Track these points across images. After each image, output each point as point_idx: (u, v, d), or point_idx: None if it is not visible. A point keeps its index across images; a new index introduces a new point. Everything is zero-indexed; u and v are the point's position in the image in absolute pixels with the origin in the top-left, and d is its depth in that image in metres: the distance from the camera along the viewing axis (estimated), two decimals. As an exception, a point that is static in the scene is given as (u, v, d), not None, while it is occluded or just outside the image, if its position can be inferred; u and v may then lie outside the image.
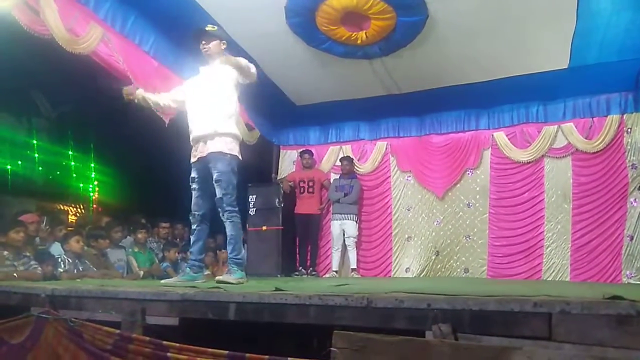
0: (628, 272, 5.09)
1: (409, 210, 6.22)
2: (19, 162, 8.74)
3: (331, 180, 6.44)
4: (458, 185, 6.04)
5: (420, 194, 6.19)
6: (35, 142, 8.95)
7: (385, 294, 1.98)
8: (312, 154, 6.55)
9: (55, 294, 2.69)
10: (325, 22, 4.55)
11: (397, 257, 6.19)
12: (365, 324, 1.89)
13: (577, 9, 4.17)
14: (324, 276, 6.16)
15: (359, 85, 5.74)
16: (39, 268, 3.84)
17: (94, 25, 3.90)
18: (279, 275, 5.61)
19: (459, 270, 5.89)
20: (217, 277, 3.52)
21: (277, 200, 6.07)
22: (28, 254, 3.91)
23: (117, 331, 2.27)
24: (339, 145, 6.62)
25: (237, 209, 3.54)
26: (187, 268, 3.77)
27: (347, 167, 6.26)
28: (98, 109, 7.67)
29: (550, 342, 1.60)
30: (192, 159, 3.61)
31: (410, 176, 6.27)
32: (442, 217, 6.05)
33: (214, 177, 3.47)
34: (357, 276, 5.95)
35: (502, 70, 5.21)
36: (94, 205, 10.10)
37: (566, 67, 5.03)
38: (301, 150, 6.62)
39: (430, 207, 6.13)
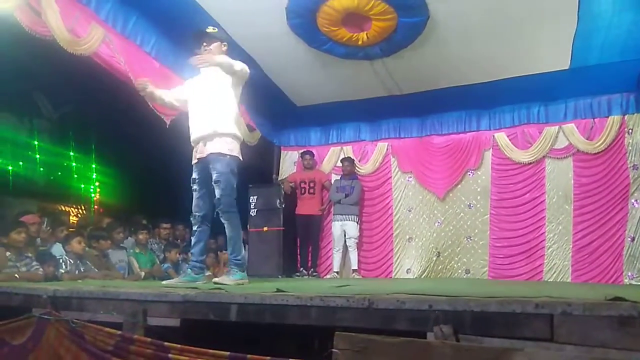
0: (629, 273, 5.08)
1: (410, 211, 6.22)
2: (20, 163, 8.75)
3: (332, 181, 6.44)
4: (459, 186, 6.04)
5: (421, 195, 6.19)
6: (36, 143, 8.96)
7: (386, 295, 1.98)
8: (313, 155, 6.55)
9: (57, 295, 2.69)
10: (326, 23, 4.55)
11: (398, 258, 6.19)
12: (367, 325, 1.89)
13: (578, 10, 4.18)
14: (325, 277, 6.16)
15: (360, 86, 5.75)
16: (41, 269, 3.84)
17: (95, 26, 3.91)
18: (280, 276, 5.61)
19: (460, 271, 5.89)
20: (215, 279, 3.52)
21: (278, 201, 6.07)
22: (30, 254, 3.92)
23: (119, 332, 2.27)
24: (340, 146, 6.63)
25: (236, 209, 3.54)
26: (188, 269, 3.77)
27: (348, 168, 6.27)
28: (99, 110, 7.68)
29: (552, 344, 1.60)
30: (193, 160, 3.61)
31: (411, 177, 6.27)
32: (443, 218, 6.05)
33: (213, 177, 3.48)
34: (358, 277, 5.95)
35: (503, 71, 5.20)
36: (95, 206, 10.11)
37: (567, 67, 5.03)
38: (302, 151, 6.62)
39: (431, 208, 6.13)
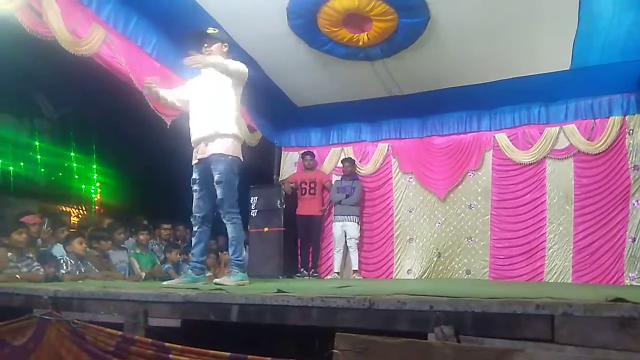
0: (630, 274, 5.08)
1: (410, 211, 6.22)
2: (21, 164, 8.76)
3: (332, 182, 6.44)
4: (460, 186, 6.04)
5: (422, 196, 6.18)
6: (37, 143, 8.97)
7: (387, 296, 1.98)
8: (314, 156, 6.55)
9: (58, 295, 2.69)
10: (327, 24, 4.55)
11: (398, 259, 6.19)
12: (368, 326, 1.89)
13: (579, 11, 4.17)
14: (325, 278, 6.16)
15: (360, 86, 5.75)
16: (42, 269, 3.85)
17: (96, 26, 3.91)
18: (280, 277, 5.61)
19: (460, 272, 5.89)
20: (215, 280, 3.52)
21: (278, 201, 6.07)
22: (31, 255, 3.93)
23: (120, 333, 2.27)
24: (341, 146, 6.63)
25: (238, 210, 3.55)
26: (189, 270, 3.78)
27: (349, 168, 6.27)
28: (100, 110, 7.69)
29: (553, 345, 1.60)
30: (194, 161, 3.62)
31: (411, 178, 6.27)
32: (443, 219, 6.05)
33: (215, 178, 3.48)
34: (358, 278, 5.95)
35: (503, 71, 5.20)
36: (96, 207, 10.12)
37: (568, 68, 5.03)
38: (303, 151, 6.62)
39: (432, 209, 6.12)
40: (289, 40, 4.85)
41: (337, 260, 6.15)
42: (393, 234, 6.25)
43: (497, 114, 5.88)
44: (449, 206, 6.05)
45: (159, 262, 5.26)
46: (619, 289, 3.48)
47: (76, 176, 9.78)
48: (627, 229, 5.18)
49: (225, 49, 3.70)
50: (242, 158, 3.63)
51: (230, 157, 3.50)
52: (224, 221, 3.52)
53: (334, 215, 6.24)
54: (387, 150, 6.39)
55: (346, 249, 6.16)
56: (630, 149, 5.28)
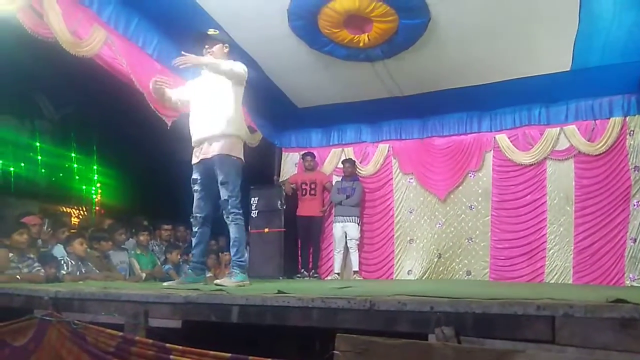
0: (631, 275, 5.07)
1: (411, 212, 6.22)
2: (22, 164, 8.78)
3: (333, 183, 6.44)
4: (460, 187, 6.03)
5: (422, 197, 6.18)
6: (38, 144, 8.99)
7: (387, 297, 1.98)
8: (314, 156, 6.56)
9: (58, 296, 2.69)
10: (328, 25, 4.56)
11: (399, 260, 6.19)
12: (368, 327, 1.89)
13: (580, 12, 4.17)
14: (325, 278, 6.16)
15: (361, 87, 5.75)
16: (42, 270, 3.85)
17: (97, 27, 3.92)
18: (281, 278, 5.61)
19: (461, 272, 5.89)
20: (216, 280, 3.52)
21: (279, 202, 6.07)
22: (32, 255, 3.93)
23: (120, 333, 2.27)
24: (341, 147, 6.63)
25: (241, 211, 3.55)
26: (189, 270, 3.78)
27: (349, 169, 6.27)
28: (101, 111, 7.70)
29: (554, 346, 1.60)
30: (194, 160, 3.61)
31: (412, 178, 6.27)
32: (444, 220, 6.05)
33: (220, 179, 3.47)
34: (359, 278, 5.94)
35: (504, 72, 5.20)
36: (97, 208, 10.13)
37: (568, 69, 5.02)
38: (303, 152, 6.63)
39: (432, 210, 6.12)
40: (289, 41, 4.85)
41: (337, 261, 6.15)
42: (393, 235, 6.25)
43: (498, 115, 5.88)
44: (450, 207, 6.05)
45: (159, 263, 5.26)
46: (620, 290, 3.48)
47: (77, 177, 9.80)
48: (628, 230, 5.17)
49: (226, 50, 3.70)
50: (243, 159, 3.63)
51: (234, 157, 3.50)
52: (227, 222, 3.52)
53: (335, 216, 6.24)
54: (388, 151, 6.40)
55: (346, 249, 6.16)
56: (631, 149, 5.27)
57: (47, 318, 2.52)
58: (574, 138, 5.51)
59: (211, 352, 1.94)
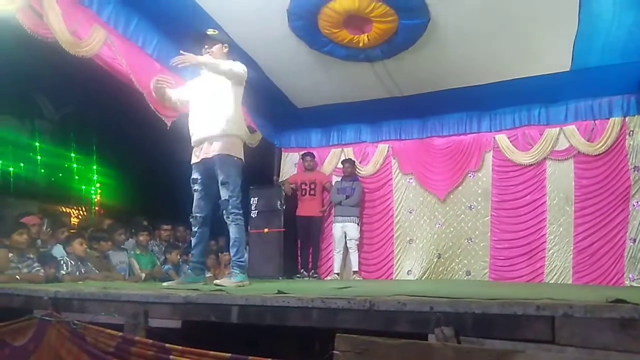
0: (630, 275, 5.07)
1: (410, 212, 6.22)
2: (22, 164, 8.77)
3: (333, 183, 6.44)
4: (460, 187, 6.03)
5: (422, 197, 6.18)
6: (37, 144, 8.98)
7: (387, 297, 1.98)
8: (314, 157, 6.56)
9: (58, 296, 2.69)
10: (328, 25, 4.56)
11: (398, 260, 6.19)
12: (368, 327, 1.89)
13: (579, 12, 4.18)
14: (325, 278, 6.16)
15: (360, 87, 5.75)
16: (42, 270, 3.85)
17: (97, 27, 3.92)
18: (280, 278, 5.61)
19: (460, 272, 5.89)
20: (216, 281, 3.52)
21: (278, 202, 6.07)
22: (32, 255, 3.93)
23: (120, 334, 2.27)
24: (341, 147, 6.63)
25: (242, 211, 3.55)
26: (189, 270, 3.78)
27: (349, 169, 6.27)
28: (100, 111, 7.70)
29: (553, 346, 1.60)
30: (194, 160, 3.61)
31: (412, 179, 6.27)
32: (443, 220, 6.05)
33: (220, 179, 3.47)
34: (358, 278, 5.94)
35: (504, 72, 5.20)
36: (96, 208, 10.13)
37: (568, 69, 5.03)
38: (303, 152, 6.62)
39: (432, 210, 6.12)
40: (289, 41, 4.86)
41: (337, 261, 6.15)
42: (393, 235, 6.25)
43: (497, 115, 5.88)
44: (449, 207, 6.05)
45: (158, 263, 5.26)
46: (619, 290, 3.48)
47: (76, 177, 9.79)
48: (627, 230, 5.18)
49: (225, 50, 3.70)
50: (243, 159, 3.63)
51: (235, 157, 3.50)
52: (227, 222, 3.51)
53: (334, 216, 6.24)
54: (387, 151, 6.40)
55: (346, 249, 6.16)
56: (630, 150, 5.27)
57: (47, 318, 2.52)
58: (574, 138, 5.51)
59: (211, 352, 1.94)
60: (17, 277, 3.59)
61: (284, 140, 6.87)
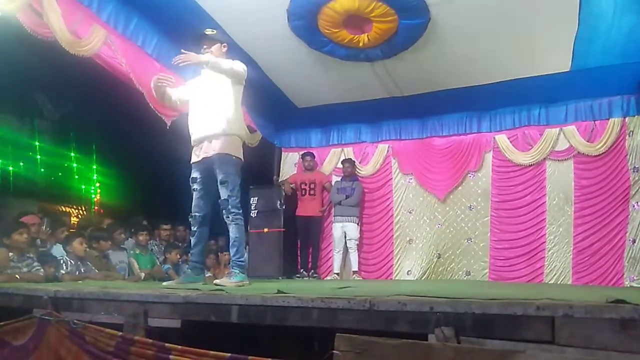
0: (630, 276, 5.07)
1: (410, 212, 6.22)
2: (21, 164, 8.76)
3: (332, 183, 6.44)
4: (460, 187, 6.03)
5: (422, 197, 6.18)
6: (37, 143, 8.97)
7: (387, 297, 1.98)
8: (314, 156, 6.55)
9: (58, 295, 2.69)
10: (328, 25, 4.56)
11: (398, 260, 6.19)
12: (368, 327, 1.89)
13: (579, 12, 4.18)
14: (325, 278, 6.16)
15: (360, 87, 5.75)
16: (41, 270, 3.84)
17: (96, 27, 3.91)
18: (280, 278, 5.61)
19: (460, 273, 5.89)
20: (215, 280, 3.52)
21: (278, 202, 6.07)
22: (32, 255, 3.93)
23: (120, 333, 2.27)
24: (341, 147, 6.62)
25: (241, 211, 3.54)
26: (188, 270, 3.78)
27: (349, 169, 6.27)
28: (100, 111, 7.69)
29: (553, 346, 1.60)
30: (194, 159, 3.61)
31: (411, 179, 6.27)
32: (443, 220, 6.05)
33: (220, 178, 3.47)
34: (358, 278, 5.94)
35: (504, 72, 5.21)
36: (96, 207, 10.12)
37: (568, 70, 5.03)
38: (303, 152, 6.62)
39: (432, 210, 6.12)
40: (289, 41, 4.85)
41: (336, 261, 6.15)
42: (393, 235, 6.25)
43: (497, 115, 5.88)
44: (449, 207, 6.05)
45: (158, 263, 5.25)
46: (619, 291, 3.48)
47: (76, 176, 9.78)
48: (627, 231, 5.18)
49: (224, 50, 3.70)
50: (243, 158, 3.63)
51: (234, 157, 3.50)
52: (227, 222, 3.51)
53: (334, 216, 6.24)
54: (387, 151, 6.39)
55: (346, 249, 6.16)
56: (630, 150, 5.27)
57: (47, 317, 2.52)
58: (574, 138, 5.51)
59: (211, 352, 1.94)
60: (17, 276, 3.59)
61: (284, 140, 6.87)
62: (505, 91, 5.43)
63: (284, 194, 6.12)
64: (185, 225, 5.59)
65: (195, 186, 3.61)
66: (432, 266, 5.99)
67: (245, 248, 4.28)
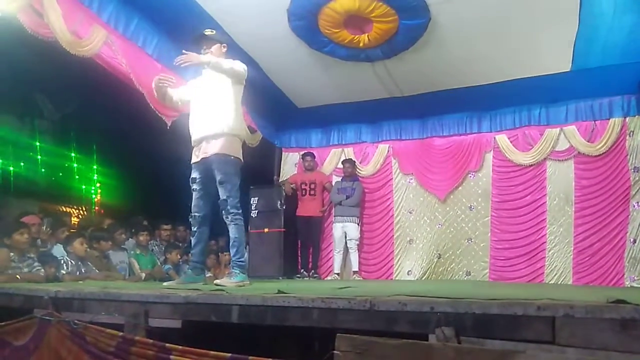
0: (631, 276, 5.07)
1: (410, 212, 6.22)
2: (22, 164, 8.77)
3: (333, 183, 6.45)
4: (460, 188, 6.03)
5: (422, 197, 6.18)
6: (38, 143, 8.98)
7: (387, 297, 1.98)
8: (314, 157, 6.55)
9: (58, 296, 2.69)
10: (328, 25, 4.56)
11: (398, 260, 6.19)
12: (368, 327, 1.89)
13: (580, 12, 4.18)
14: (325, 278, 6.16)
15: (361, 87, 5.75)
16: (42, 270, 3.85)
17: (97, 27, 3.92)
18: (280, 278, 5.61)
19: (460, 273, 5.89)
20: (216, 280, 3.52)
21: (279, 202, 6.07)
22: (32, 255, 3.93)
23: (120, 333, 2.27)
24: (341, 147, 6.63)
25: (241, 211, 3.55)
26: (189, 270, 3.78)
27: (349, 169, 6.27)
28: (101, 111, 7.69)
29: (554, 346, 1.60)
30: (194, 159, 3.61)
31: (412, 179, 6.27)
32: (444, 220, 6.05)
33: (218, 178, 3.47)
34: (358, 279, 5.95)
35: (504, 73, 5.21)
36: (96, 207, 10.13)
37: (569, 70, 5.03)
38: (303, 152, 6.62)
39: (432, 210, 6.12)
40: (289, 41, 4.86)
41: (337, 261, 6.15)
42: (393, 235, 6.25)
43: (498, 115, 5.88)
44: (449, 207, 6.05)
45: (159, 263, 5.26)
46: (620, 291, 3.48)
47: (77, 176, 9.79)
48: (628, 231, 5.18)
49: (224, 50, 3.70)
50: (242, 158, 3.63)
51: (232, 157, 3.50)
52: (226, 222, 3.51)
53: (334, 216, 6.24)
54: (388, 151, 6.39)
55: (346, 249, 6.16)
56: (631, 150, 5.27)
57: (47, 318, 2.52)
58: (574, 138, 5.51)
59: (211, 352, 1.94)
60: (18, 276, 3.59)
61: (284, 140, 6.87)
62: (506, 91, 5.43)
63: (284, 194, 6.12)
64: (186, 225, 5.59)
65: (194, 186, 3.62)
66: (433, 266, 5.99)
67: (246, 248, 4.28)
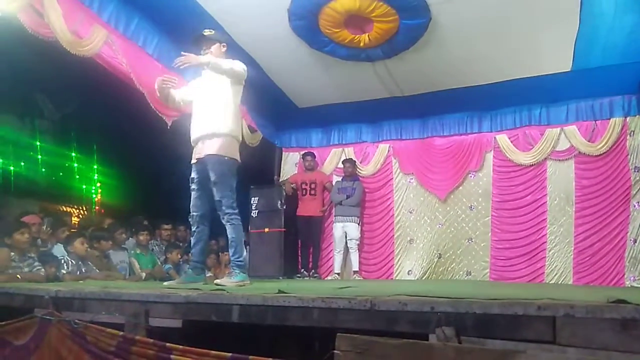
0: (631, 276, 5.07)
1: (411, 212, 6.22)
2: (22, 164, 8.77)
3: (333, 183, 6.45)
4: (460, 187, 6.03)
5: (423, 197, 6.18)
6: (38, 143, 8.98)
7: (388, 297, 1.98)
8: (314, 156, 6.55)
9: (59, 295, 2.70)
10: (328, 25, 4.56)
11: (399, 260, 6.19)
12: (369, 327, 1.89)
13: (580, 12, 4.18)
14: (325, 278, 6.16)
15: (361, 87, 5.75)
16: (42, 269, 3.85)
17: (97, 27, 3.91)
18: (281, 277, 5.61)
19: (461, 273, 5.89)
20: (216, 280, 3.52)
21: (279, 202, 6.07)
22: (33, 255, 3.93)
23: (121, 333, 2.27)
24: (341, 147, 6.63)
25: (236, 211, 3.54)
26: (189, 269, 3.79)
27: (350, 169, 6.27)
28: (101, 110, 7.70)
29: (554, 346, 1.60)
30: (192, 160, 3.63)
31: (412, 178, 6.27)
32: (444, 220, 6.05)
33: (212, 179, 3.48)
34: (359, 278, 5.95)
35: (504, 72, 5.20)
36: (97, 207, 10.13)
37: (569, 69, 5.03)
38: (303, 152, 6.62)
39: (433, 210, 6.12)
40: (290, 41, 4.85)
41: (337, 261, 6.15)
42: (393, 235, 6.25)
43: (498, 115, 5.88)
44: (450, 207, 6.05)
45: (159, 263, 5.26)
46: (620, 291, 3.48)
47: (77, 176, 9.80)
48: (628, 231, 5.18)
49: (223, 49, 3.70)
50: (238, 159, 3.62)
51: (226, 157, 3.49)
52: (224, 222, 3.52)
53: (335, 216, 6.24)
54: (388, 151, 6.40)
55: (347, 249, 6.16)
56: (631, 150, 5.28)
57: (48, 317, 2.52)
58: (575, 138, 5.51)
59: (212, 352, 1.94)
60: (18, 276, 3.59)
61: (285, 140, 6.87)
62: (506, 91, 5.42)
63: (284, 193, 6.12)
64: (186, 225, 5.59)
65: (193, 186, 3.63)
66: (433, 266, 5.99)
67: (246, 248, 4.28)
